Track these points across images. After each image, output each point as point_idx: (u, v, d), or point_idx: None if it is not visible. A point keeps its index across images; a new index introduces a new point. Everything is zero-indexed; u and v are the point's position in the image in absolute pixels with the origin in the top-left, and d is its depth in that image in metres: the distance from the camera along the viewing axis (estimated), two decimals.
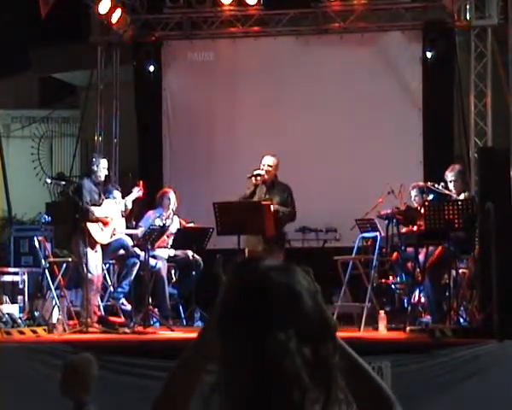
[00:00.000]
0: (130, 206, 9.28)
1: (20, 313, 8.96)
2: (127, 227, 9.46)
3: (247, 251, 8.50)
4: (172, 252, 9.76)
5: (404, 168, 10.64)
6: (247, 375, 1.28)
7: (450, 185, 8.32)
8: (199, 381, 1.52)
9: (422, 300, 8.65)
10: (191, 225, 9.86)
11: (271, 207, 8.39)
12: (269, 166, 8.83)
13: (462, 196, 8.21)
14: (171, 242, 9.63)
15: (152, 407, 1.54)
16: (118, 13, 11.24)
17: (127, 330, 8.45)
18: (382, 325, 8.16)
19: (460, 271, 8.52)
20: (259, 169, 8.80)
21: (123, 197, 9.33)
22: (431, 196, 8.56)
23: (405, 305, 8.86)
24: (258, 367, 1.27)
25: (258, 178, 8.76)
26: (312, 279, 1.39)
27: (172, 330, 8.52)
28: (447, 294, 8.18)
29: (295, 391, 1.26)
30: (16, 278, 9.56)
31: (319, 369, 1.30)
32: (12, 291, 9.46)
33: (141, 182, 9.50)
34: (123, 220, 9.34)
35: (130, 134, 12.00)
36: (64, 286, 9.12)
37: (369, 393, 1.54)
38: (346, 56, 11.52)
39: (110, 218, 8.87)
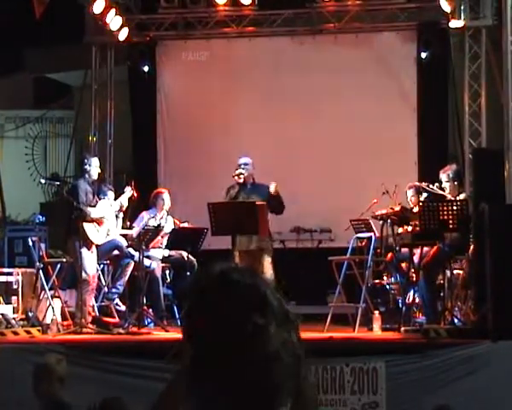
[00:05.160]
0: (125, 204, 9.27)
1: (14, 313, 8.94)
2: (121, 228, 9.45)
3: (237, 253, 8.49)
4: (167, 252, 9.75)
5: (398, 169, 10.65)
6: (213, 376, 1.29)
7: (446, 186, 8.32)
8: None
9: (417, 300, 8.66)
10: (185, 225, 9.85)
11: (275, 185, 8.56)
12: (245, 165, 8.89)
13: (458, 198, 8.22)
14: (165, 242, 9.62)
15: None
16: (112, 13, 11.21)
17: (121, 330, 8.44)
18: (377, 325, 8.17)
19: (454, 271, 8.53)
20: (240, 169, 8.86)
21: (116, 198, 9.32)
22: (424, 195, 8.59)
23: (400, 305, 8.87)
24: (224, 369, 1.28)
25: (241, 176, 8.81)
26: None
27: (167, 331, 8.50)
28: (442, 294, 8.18)
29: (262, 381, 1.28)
30: (10, 279, 9.53)
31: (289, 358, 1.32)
32: (6, 292, 9.43)
33: (132, 182, 9.48)
34: (119, 221, 9.32)
35: (124, 134, 11.97)
36: (58, 287, 9.10)
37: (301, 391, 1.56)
38: (340, 57, 11.52)
39: (105, 218, 8.85)
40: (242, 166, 8.86)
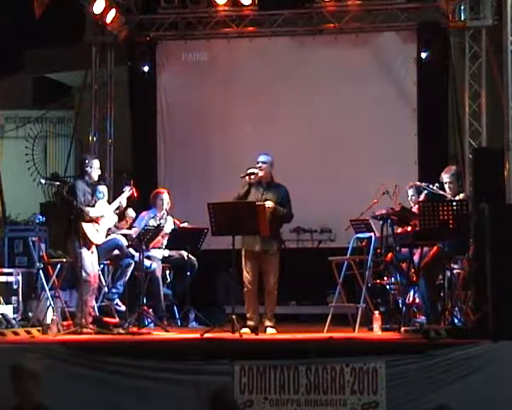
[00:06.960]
0: (124, 204, 9.26)
1: (14, 313, 8.94)
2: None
3: (243, 251, 8.45)
4: (167, 252, 9.75)
5: (398, 169, 10.65)
6: None
7: (447, 187, 8.32)
8: None
9: (417, 300, 8.65)
10: (185, 224, 9.85)
11: (268, 205, 8.25)
12: (263, 163, 8.51)
13: (457, 198, 8.21)
14: (165, 242, 9.62)
15: None
16: (112, 13, 11.23)
17: (122, 330, 8.43)
18: (377, 325, 8.17)
19: (454, 271, 8.52)
20: (254, 168, 8.48)
21: (115, 198, 9.30)
22: (424, 194, 8.60)
23: (400, 305, 8.86)
24: None
25: (253, 176, 8.42)
26: None
27: (167, 331, 8.50)
28: (442, 294, 8.17)
29: None
30: (10, 279, 9.52)
31: None
32: (6, 292, 9.42)
33: (131, 181, 9.46)
34: (115, 217, 9.30)
35: (124, 134, 11.98)
36: (58, 287, 9.10)
37: None
38: (340, 57, 11.53)
39: (104, 217, 8.82)
40: (260, 165, 8.48)
